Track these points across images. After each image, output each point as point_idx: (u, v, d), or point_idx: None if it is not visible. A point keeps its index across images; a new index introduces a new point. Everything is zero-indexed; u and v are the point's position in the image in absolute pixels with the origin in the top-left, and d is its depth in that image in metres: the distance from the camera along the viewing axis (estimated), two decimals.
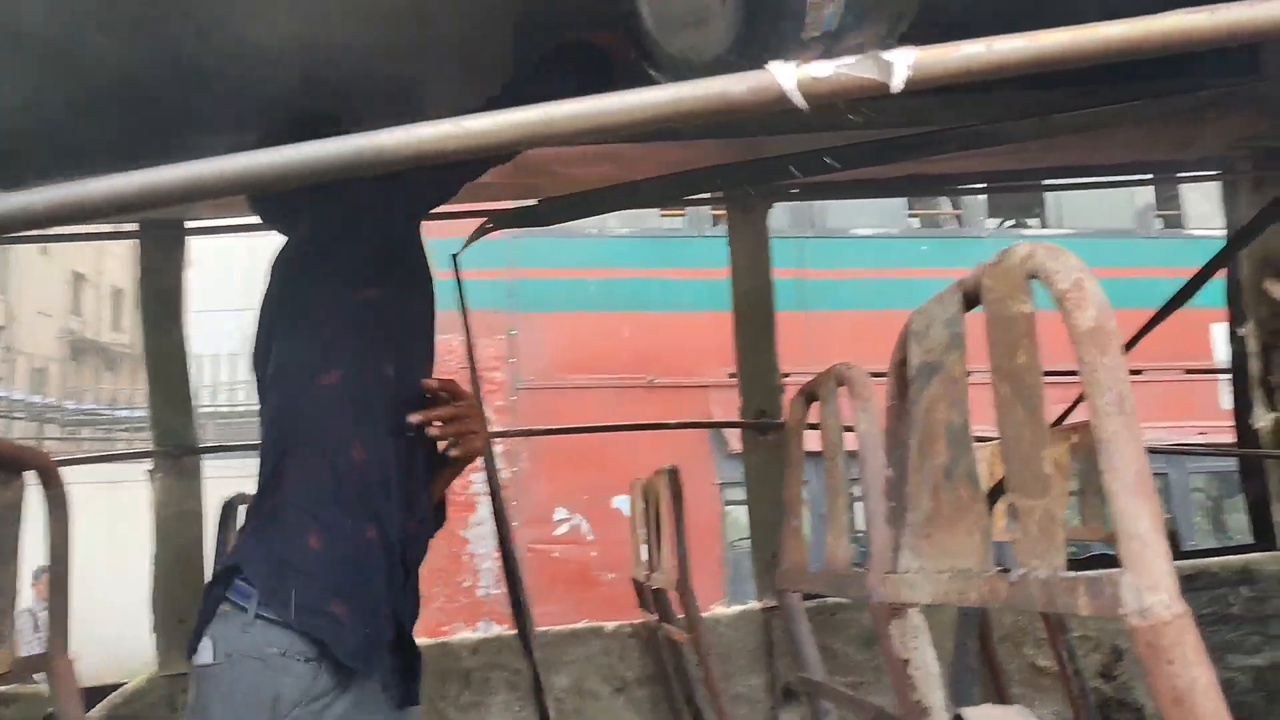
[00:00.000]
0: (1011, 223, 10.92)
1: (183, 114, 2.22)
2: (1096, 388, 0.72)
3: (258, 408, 1.80)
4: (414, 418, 1.73)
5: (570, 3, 1.89)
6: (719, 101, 0.72)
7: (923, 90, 0.72)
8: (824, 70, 0.70)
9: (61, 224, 0.70)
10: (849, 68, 0.70)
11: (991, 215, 10.06)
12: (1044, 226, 10.31)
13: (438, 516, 1.92)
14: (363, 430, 1.70)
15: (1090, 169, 3.49)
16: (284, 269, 1.85)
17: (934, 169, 3.18)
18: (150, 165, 0.71)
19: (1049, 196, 10.08)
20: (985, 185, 3.82)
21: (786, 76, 0.70)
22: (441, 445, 1.79)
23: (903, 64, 0.70)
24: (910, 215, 10.26)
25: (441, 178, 1.83)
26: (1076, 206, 9.87)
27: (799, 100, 0.69)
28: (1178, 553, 3.98)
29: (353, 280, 1.75)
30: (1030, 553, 0.82)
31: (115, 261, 26.28)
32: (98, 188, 0.68)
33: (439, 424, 1.75)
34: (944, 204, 10.34)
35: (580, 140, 0.69)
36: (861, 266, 9.07)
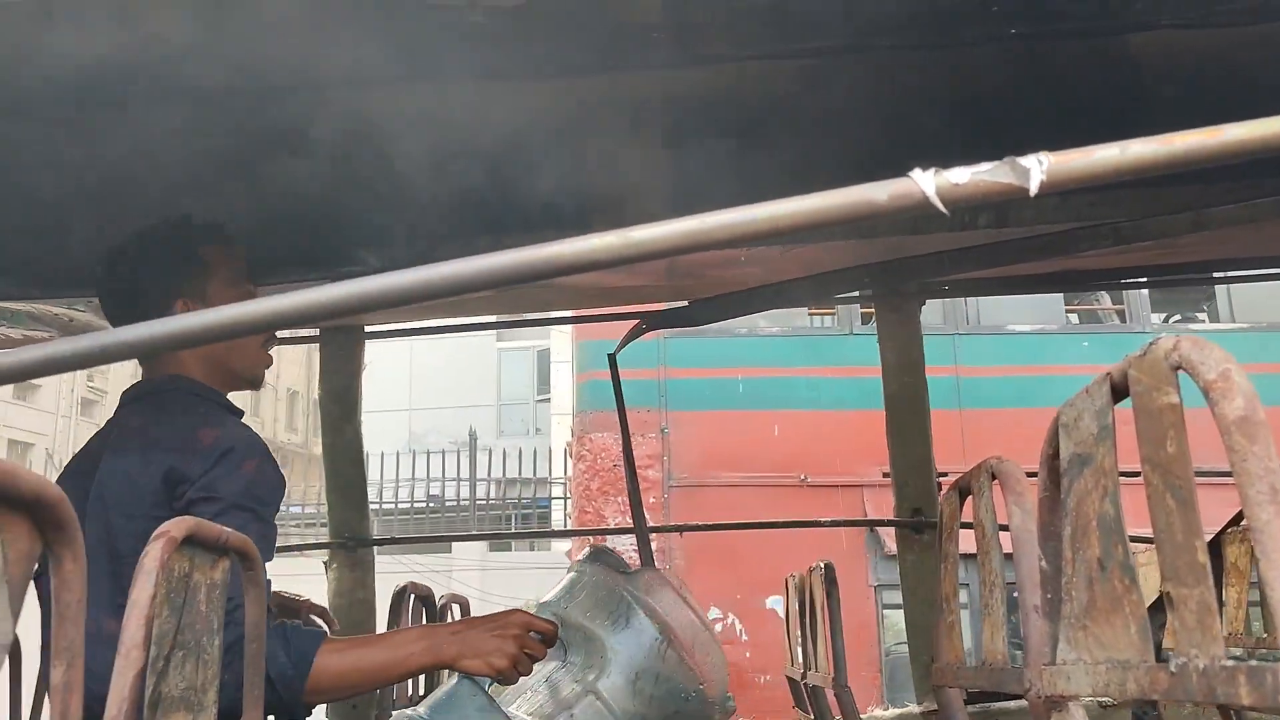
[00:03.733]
0: (1178, 317, 10.48)
1: (358, 229, 2.39)
2: (1247, 477, 0.73)
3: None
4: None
5: None
6: (864, 208, 0.77)
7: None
8: (962, 176, 0.75)
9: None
10: (986, 174, 0.75)
11: (1156, 310, 9.68)
12: (1213, 321, 9.86)
13: None
14: None
15: (1256, 261, 3.37)
16: None
17: (1088, 264, 3.14)
18: (325, 276, 0.80)
19: (1219, 290, 9.66)
20: (1145, 280, 3.73)
21: (927, 183, 0.75)
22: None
23: (1038, 169, 0.74)
24: (1069, 310, 9.98)
25: None
26: (1249, 300, 9.43)
27: (939, 205, 0.74)
28: None
29: None
30: (1188, 642, 0.81)
31: (292, 366, 27.77)
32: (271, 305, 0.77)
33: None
34: (1105, 298, 10.02)
35: (731, 246, 0.76)
36: (1018, 363, 8.85)
